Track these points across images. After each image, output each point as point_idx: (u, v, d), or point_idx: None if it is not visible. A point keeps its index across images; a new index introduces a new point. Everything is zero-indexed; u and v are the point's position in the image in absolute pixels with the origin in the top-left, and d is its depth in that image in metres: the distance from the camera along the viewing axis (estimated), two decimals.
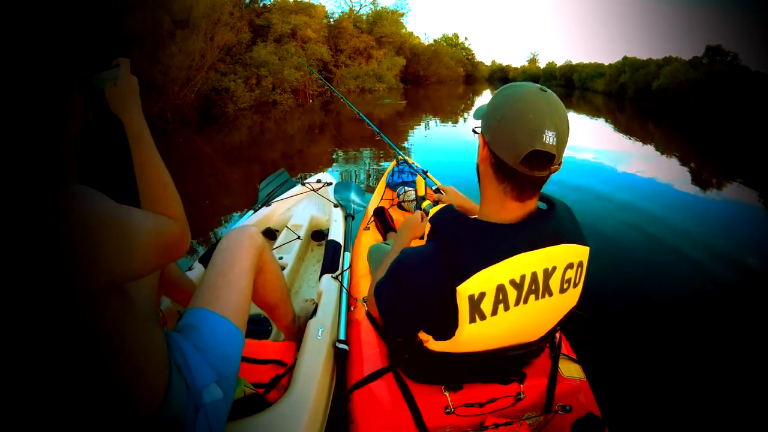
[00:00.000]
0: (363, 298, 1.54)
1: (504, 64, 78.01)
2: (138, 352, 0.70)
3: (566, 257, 0.85)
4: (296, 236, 2.27)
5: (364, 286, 1.64)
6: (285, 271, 1.96)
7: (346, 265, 1.87)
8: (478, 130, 0.86)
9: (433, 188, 1.53)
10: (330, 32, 19.89)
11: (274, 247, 2.19)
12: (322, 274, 1.75)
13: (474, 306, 0.79)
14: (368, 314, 1.46)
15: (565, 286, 0.87)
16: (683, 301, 2.47)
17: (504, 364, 1.06)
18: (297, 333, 1.46)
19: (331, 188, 2.75)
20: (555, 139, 0.74)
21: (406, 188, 2.52)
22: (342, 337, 1.44)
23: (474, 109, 0.92)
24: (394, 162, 2.79)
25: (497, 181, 0.82)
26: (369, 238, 2.09)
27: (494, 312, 0.81)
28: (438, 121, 11.75)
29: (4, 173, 0.63)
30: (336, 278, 1.73)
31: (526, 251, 0.79)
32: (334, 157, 6.36)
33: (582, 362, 1.29)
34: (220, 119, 10.43)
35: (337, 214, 2.39)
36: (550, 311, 0.90)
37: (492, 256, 0.78)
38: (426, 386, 1.12)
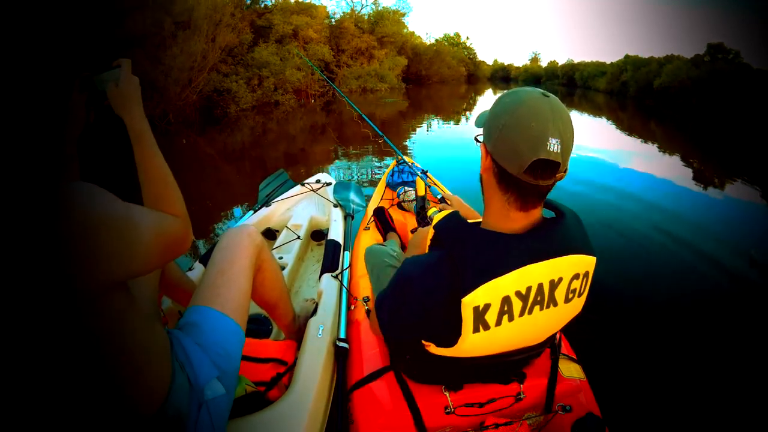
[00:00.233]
0: (363, 298, 1.54)
1: (506, 64, 78.08)
2: (139, 353, 0.70)
3: (573, 268, 0.83)
4: (296, 236, 2.27)
5: (364, 286, 1.65)
6: (285, 271, 1.96)
7: (346, 265, 1.87)
8: (480, 138, 0.83)
9: (438, 197, 1.53)
10: (331, 32, 19.91)
11: (274, 247, 2.20)
12: (322, 273, 1.76)
13: (478, 317, 0.78)
14: (368, 313, 1.47)
15: (570, 296, 0.86)
16: (683, 300, 2.46)
17: (504, 367, 1.06)
18: (297, 332, 1.46)
19: (330, 188, 2.76)
20: (559, 146, 0.72)
21: (406, 188, 2.51)
22: (342, 335, 1.44)
23: (476, 116, 0.90)
24: (394, 162, 2.79)
25: (501, 191, 0.79)
26: (369, 238, 2.09)
27: (498, 323, 0.80)
28: (440, 121, 11.74)
29: (5, 173, 0.64)
30: (336, 277, 1.73)
31: (534, 263, 0.77)
32: (335, 157, 6.38)
33: (582, 362, 1.29)
34: (222, 120, 10.45)
35: (337, 214, 2.40)
36: (554, 320, 0.88)
37: (499, 268, 0.76)
38: (426, 386, 1.12)
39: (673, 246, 3.24)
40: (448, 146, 7.66)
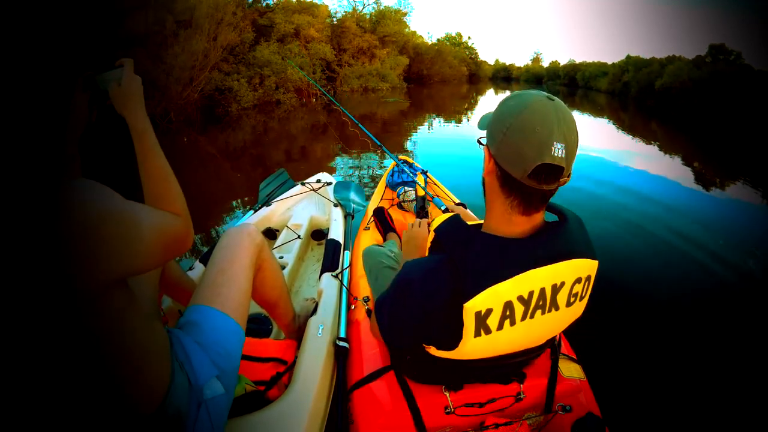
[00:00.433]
0: (363, 298, 1.54)
1: (507, 64, 78.08)
2: (139, 351, 0.70)
3: (575, 272, 0.82)
4: (296, 236, 2.27)
5: (364, 285, 1.64)
6: (285, 271, 1.96)
7: (346, 264, 1.87)
8: (484, 141, 0.82)
9: (442, 208, 1.54)
10: (333, 32, 19.89)
11: (275, 246, 2.20)
12: (322, 272, 1.76)
13: (480, 322, 0.78)
14: (369, 313, 1.46)
15: (572, 300, 0.85)
16: (684, 300, 2.46)
17: (505, 368, 1.06)
18: (297, 331, 1.46)
19: (330, 188, 2.76)
20: (564, 151, 0.71)
21: (406, 188, 2.51)
22: (342, 335, 1.44)
23: (478, 117, 0.89)
24: (393, 162, 2.79)
25: (504, 195, 0.78)
26: (369, 238, 2.09)
27: (500, 327, 0.80)
28: (441, 121, 11.73)
29: (6, 172, 0.64)
30: (336, 277, 1.73)
31: (536, 267, 0.77)
32: (336, 156, 6.37)
33: (582, 362, 1.29)
34: (223, 119, 10.45)
35: (337, 214, 2.40)
36: (555, 324, 0.88)
37: (501, 273, 0.75)
38: (426, 386, 1.12)
39: (674, 246, 3.24)
40: (449, 146, 7.66)
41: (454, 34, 50.50)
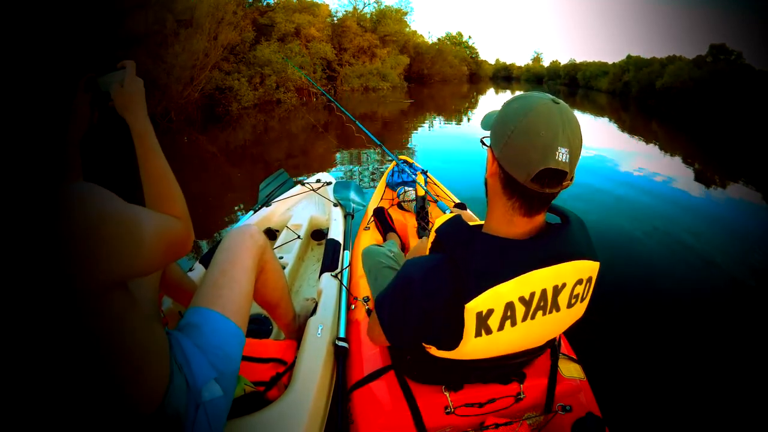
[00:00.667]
0: (363, 298, 1.54)
1: (508, 63, 78.08)
2: (139, 352, 0.70)
3: (577, 274, 0.82)
4: (296, 236, 2.27)
5: (364, 285, 1.64)
6: (285, 271, 1.96)
7: (346, 264, 1.87)
8: (487, 141, 0.81)
9: (447, 212, 1.54)
10: (334, 31, 19.90)
11: (275, 246, 2.20)
12: (321, 272, 1.76)
13: (481, 322, 0.78)
14: (368, 312, 1.46)
15: (573, 301, 0.85)
16: (684, 300, 2.46)
17: (505, 368, 1.06)
18: (297, 331, 1.46)
19: (330, 188, 2.75)
20: (568, 155, 0.70)
21: (406, 188, 2.51)
22: (342, 335, 1.44)
23: (479, 117, 0.88)
24: (393, 162, 2.79)
25: (506, 197, 0.78)
26: (369, 238, 2.09)
27: (501, 328, 0.80)
28: (442, 120, 11.73)
29: (7, 172, 0.64)
30: (336, 276, 1.73)
31: (538, 268, 0.77)
32: (336, 155, 6.37)
33: (582, 362, 1.28)
34: (224, 118, 10.45)
35: (337, 214, 2.40)
36: (556, 325, 0.88)
37: (503, 273, 0.75)
38: (426, 386, 1.12)
39: (674, 246, 3.24)
40: (450, 146, 7.66)
41: (454, 34, 50.61)
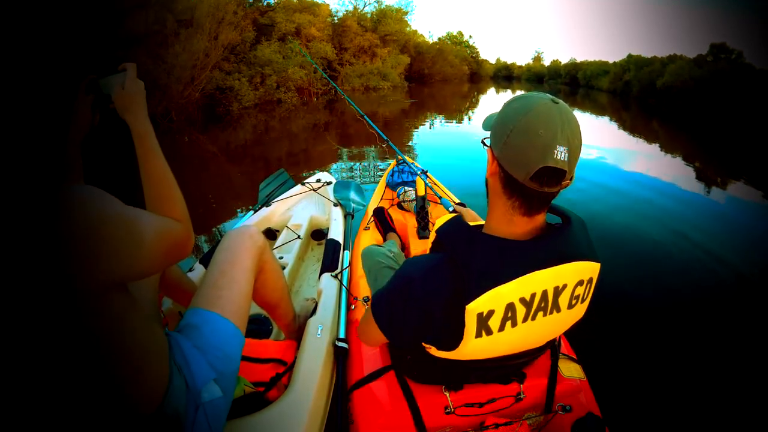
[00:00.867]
0: (363, 298, 1.54)
1: (509, 62, 78.00)
2: (139, 353, 0.71)
3: (578, 274, 0.82)
4: (296, 236, 2.27)
5: (363, 285, 1.64)
6: (285, 271, 1.96)
7: (346, 264, 1.87)
8: (488, 142, 0.82)
9: (450, 209, 1.54)
10: (334, 30, 19.91)
11: (275, 246, 2.20)
12: (321, 272, 1.76)
13: (481, 323, 0.78)
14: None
15: (574, 302, 0.85)
16: (684, 300, 2.45)
17: (505, 369, 1.06)
18: (297, 332, 1.46)
19: (330, 187, 2.76)
20: (567, 154, 0.71)
21: (406, 188, 2.51)
22: (342, 335, 1.44)
23: (480, 117, 0.89)
24: (394, 162, 2.79)
25: (506, 197, 0.78)
26: (369, 237, 2.10)
27: (501, 329, 0.80)
28: (443, 120, 11.71)
29: (8, 173, 0.64)
30: (335, 276, 1.73)
31: (539, 269, 0.77)
32: (336, 155, 6.37)
33: (582, 362, 1.28)
34: (224, 118, 10.45)
35: (337, 213, 2.40)
36: (556, 325, 0.88)
37: (503, 274, 0.75)
38: (426, 386, 1.12)
39: (674, 246, 3.24)
40: (450, 145, 7.65)
41: (455, 33, 50.58)
